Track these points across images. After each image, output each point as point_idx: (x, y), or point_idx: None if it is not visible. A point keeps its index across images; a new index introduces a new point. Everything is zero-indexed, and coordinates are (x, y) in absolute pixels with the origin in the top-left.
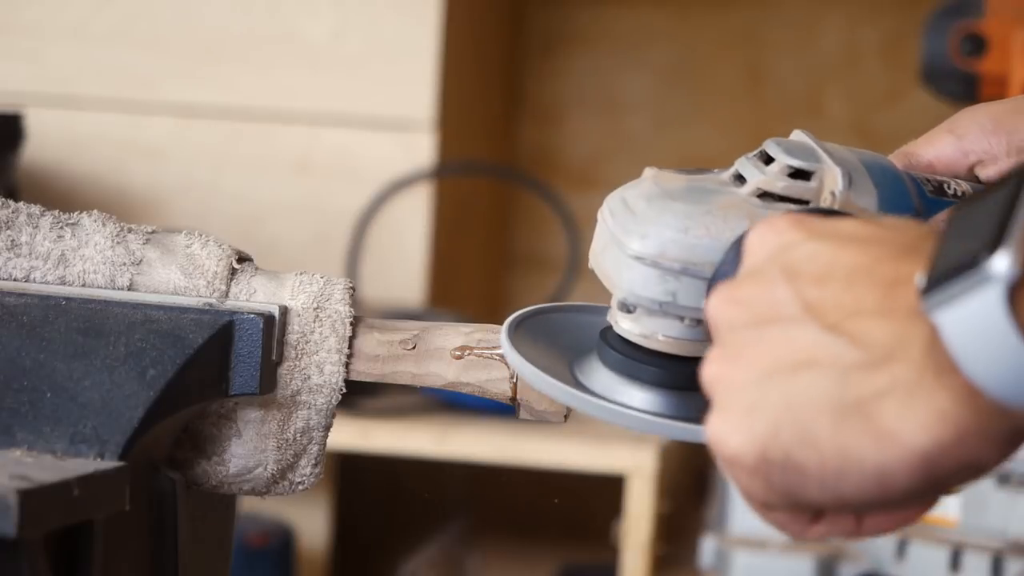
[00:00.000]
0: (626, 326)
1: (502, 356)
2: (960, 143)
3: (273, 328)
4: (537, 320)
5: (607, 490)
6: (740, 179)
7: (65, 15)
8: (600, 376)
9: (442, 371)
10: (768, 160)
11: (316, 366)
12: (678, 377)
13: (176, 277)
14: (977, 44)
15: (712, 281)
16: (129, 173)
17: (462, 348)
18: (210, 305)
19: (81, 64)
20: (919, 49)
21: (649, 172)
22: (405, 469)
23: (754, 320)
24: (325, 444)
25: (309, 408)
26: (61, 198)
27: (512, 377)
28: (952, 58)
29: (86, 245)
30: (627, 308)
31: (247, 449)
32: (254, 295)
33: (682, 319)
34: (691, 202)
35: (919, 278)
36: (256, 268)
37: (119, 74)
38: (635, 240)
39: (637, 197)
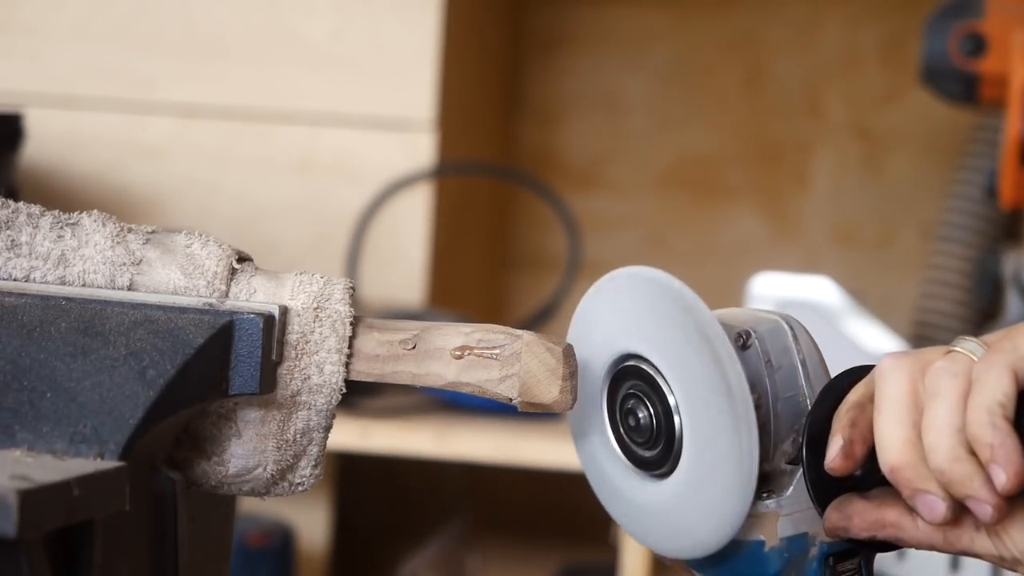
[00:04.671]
0: None
1: (501, 356)
2: None
3: (273, 328)
4: None
5: None
6: None
7: (65, 15)
8: None
9: (442, 371)
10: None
11: (316, 366)
12: None
13: (176, 277)
14: (977, 44)
15: None
16: (129, 173)
17: (462, 348)
18: (210, 305)
19: (81, 64)
20: (919, 49)
21: None
22: (405, 469)
23: None
24: (325, 445)
25: (309, 408)
26: (61, 198)
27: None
28: (952, 58)
29: (86, 245)
30: None
31: (247, 449)
32: (254, 295)
33: None
34: None
35: None
36: (256, 268)
37: (119, 74)
38: None
39: None
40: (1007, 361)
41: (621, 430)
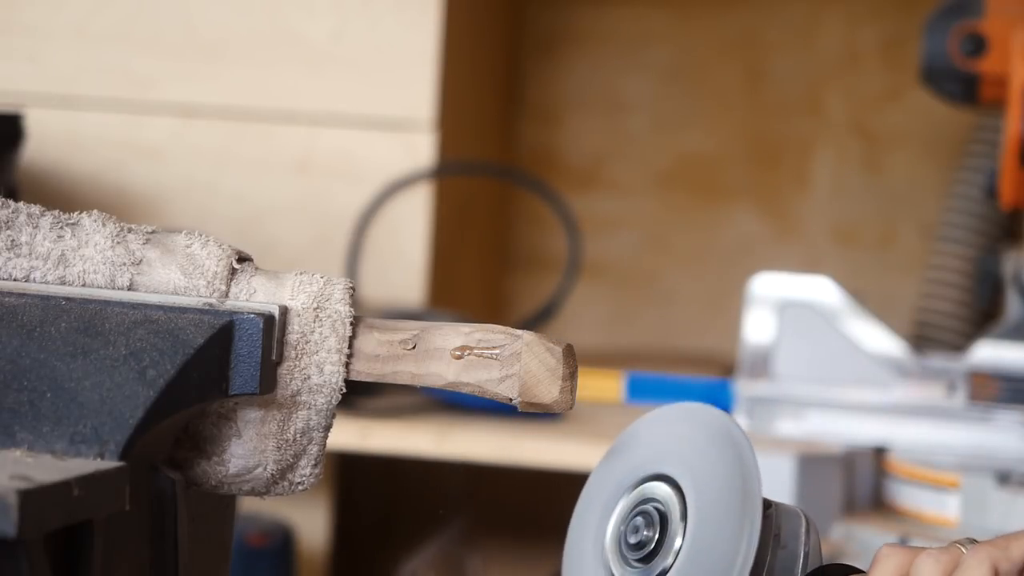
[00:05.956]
0: None
1: (501, 356)
2: None
3: (273, 328)
4: None
5: None
6: None
7: (65, 15)
8: None
9: (442, 371)
10: None
11: (316, 366)
12: None
13: (176, 277)
14: (977, 44)
15: None
16: (129, 173)
17: (462, 348)
18: (210, 305)
19: (81, 64)
20: (919, 49)
21: None
22: (405, 469)
23: None
24: (325, 445)
25: (309, 408)
26: (61, 198)
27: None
28: (952, 58)
29: (86, 245)
30: None
31: (247, 449)
32: (254, 295)
33: None
34: None
35: None
36: (256, 268)
37: (119, 74)
38: None
39: None
40: (992, 556)
41: (620, 544)
